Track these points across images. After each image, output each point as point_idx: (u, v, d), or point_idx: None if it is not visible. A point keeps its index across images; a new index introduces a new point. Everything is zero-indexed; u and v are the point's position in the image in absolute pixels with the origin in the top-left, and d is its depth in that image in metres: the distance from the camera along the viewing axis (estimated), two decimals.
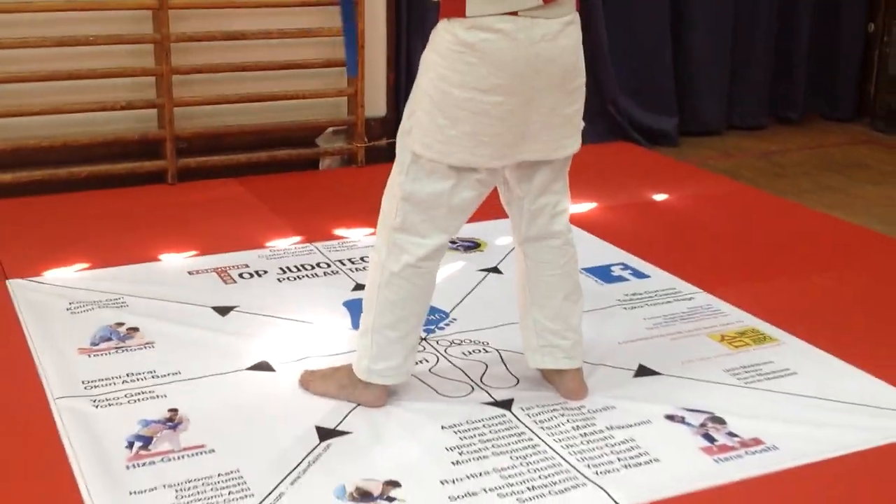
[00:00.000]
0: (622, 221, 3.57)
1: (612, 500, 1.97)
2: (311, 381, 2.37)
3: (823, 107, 5.34)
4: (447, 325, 2.72)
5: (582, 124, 2.24)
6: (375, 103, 4.24)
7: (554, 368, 2.35)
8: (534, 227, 2.27)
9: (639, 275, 3.09)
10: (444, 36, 2.07)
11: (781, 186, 4.18)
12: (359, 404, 2.27)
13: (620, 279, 3.06)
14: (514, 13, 2.02)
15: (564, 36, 2.09)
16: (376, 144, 4.21)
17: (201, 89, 3.89)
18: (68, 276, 2.99)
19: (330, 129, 4.18)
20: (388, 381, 2.27)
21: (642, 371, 2.49)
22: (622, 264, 3.17)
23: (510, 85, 2.05)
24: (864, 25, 5.24)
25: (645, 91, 4.76)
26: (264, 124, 4.02)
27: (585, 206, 3.65)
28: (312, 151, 4.14)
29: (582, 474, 2.05)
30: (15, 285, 2.89)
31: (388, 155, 4.21)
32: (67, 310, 2.75)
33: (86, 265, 3.06)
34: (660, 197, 3.91)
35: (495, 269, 3.10)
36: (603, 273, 3.09)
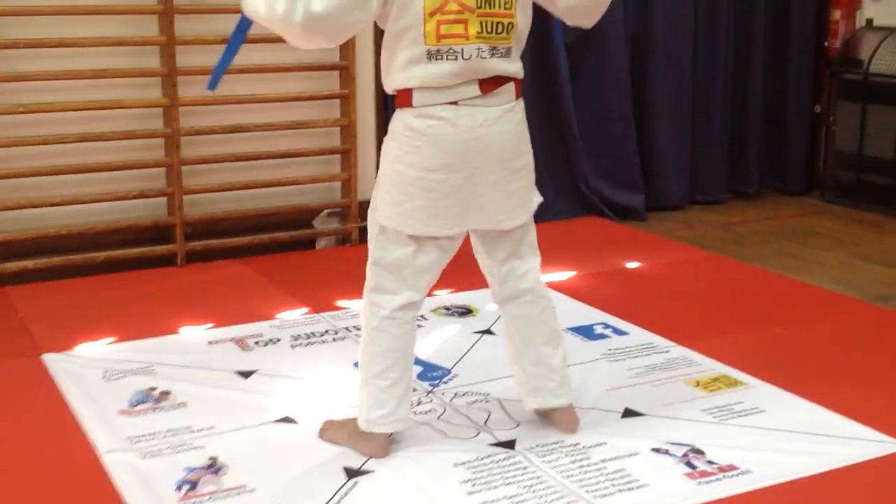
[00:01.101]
0: (600, 286, 3.90)
1: None
2: (327, 430, 2.64)
3: (777, 182, 5.75)
4: (450, 379, 3.01)
5: (536, 199, 2.55)
6: (366, 187, 4.57)
7: (546, 408, 2.65)
8: (506, 288, 2.59)
9: (619, 332, 3.40)
10: (397, 123, 2.41)
11: (742, 253, 4.53)
12: (364, 454, 2.52)
13: (602, 336, 3.37)
14: (455, 102, 2.36)
15: (504, 121, 2.42)
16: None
17: (207, 178, 4.21)
18: (98, 349, 3.25)
19: (325, 212, 4.50)
20: (385, 428, 2.50)
21: (628, 413, 2.78)
22: (603, 323, 3.48)
23: (452, 164, 2.37)
24: (811, 107, 5.70)
25: (614, 171, 5.14)
26: (265, 208, 4.33)
27: (566, 274, 3.98)
28: (310, 232, 4.45)
29: (583, 498, 2.33)
30: (50, 359, 3.14)
31: None
32: (102, 378, 3.01)
33: (112, 339, 3.33)
34: (632, 265, 4.25)
35: (488, 331, 3.40)
36: (587, 331, 3.40)
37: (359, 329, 3.35)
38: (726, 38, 5.39)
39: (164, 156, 4.11)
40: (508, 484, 2.40)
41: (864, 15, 5.51)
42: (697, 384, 2.97)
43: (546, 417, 2.69)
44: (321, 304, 3.67)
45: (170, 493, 2.34)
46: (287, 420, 2.74)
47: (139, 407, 2.82)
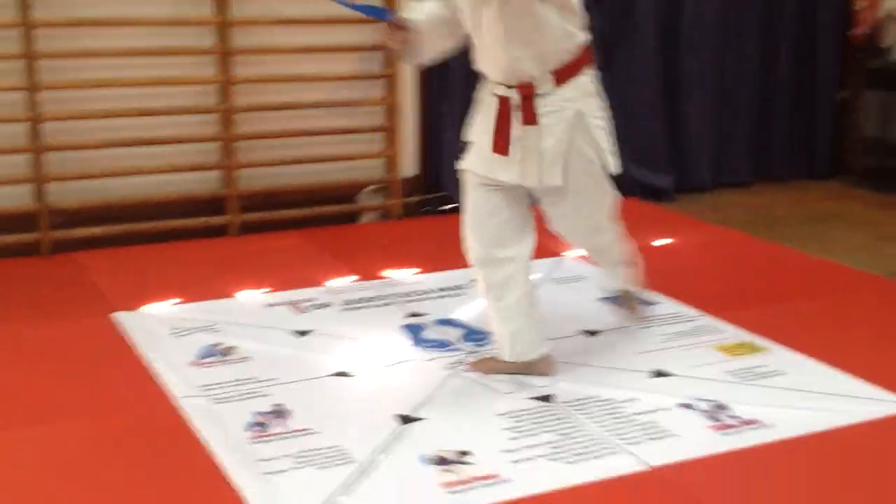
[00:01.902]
0: None
1: (641, 461, 2.48)
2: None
3: (802, 166, 5.93)
4: (491, 342, 3.24)
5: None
6: (408, 165, 4.81)
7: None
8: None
9: (648, 302, 3.62)
10: (588, 82, 2.83)
11: (768, 234, 4.72)
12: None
13: None
14: None
15: None
16: (410, 200, 4.77)
17: (259, 153, 4.45)
18: (164, 309, 3.50)
19: (370, 188, 4.74)
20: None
21: (658, 373, 3.00)
22: None
23: None
24: (836, 94, 5.87)
25: (644, 153, 5.33)
26: (313, 183, 4.57)
27: None
28: (355, 207, 4.69)
29: (615, 444, 2.56)
30: (121, 316, 3.40)
31: (418, 211, 4.80)
32: (171, 334, 3.26)
33: (177, 300, 3.58)
34: (662, 242, 4.46)
35: None
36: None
37: (404, 297, 3.65)
38: (754, 26, 5.56)
39: (220, 131, 4.35)
40: (547, 431, 2.63)
41: (889, 4, 5.65)
42: (723, 349, 3.19)
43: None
44: (368, 273, 3.91)
45: (241, 433, 2.59)
46: (342, 374, 2.98)
47: (207, 360, 3.07)
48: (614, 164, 2.90)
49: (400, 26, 2.65)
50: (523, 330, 2.91)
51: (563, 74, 2.72)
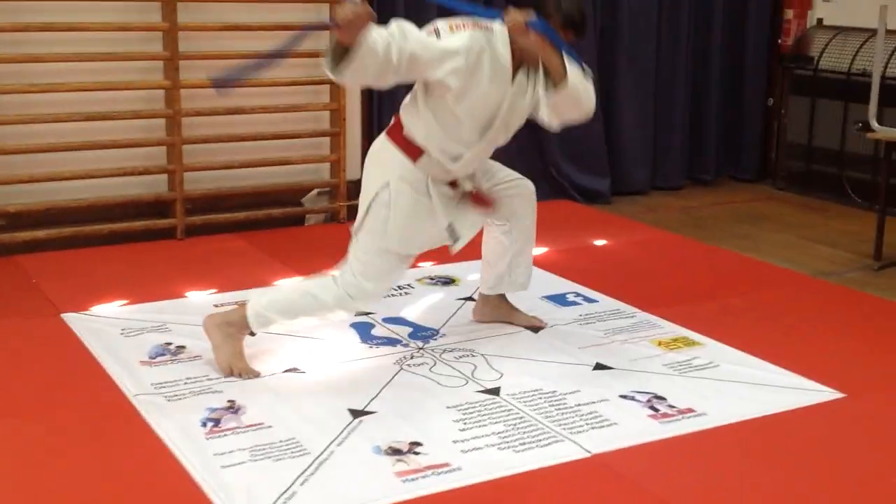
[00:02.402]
0: (570, 261, 4.25)
1: (584, 449, 2.59)
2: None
3: (732, 170, 6.15)
4: (438, 338, 3.33)
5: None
6: (354, 168, 4.88)
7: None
8: None
9: (589, 300, 3.75)
10: None
11: (700, 234, 4.90)
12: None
13: (574, 303, 3.71)
14: None
15: None
16: (355, 203, 4.83)
17: (206, 157, 4.49)
18: (113, 310, 3.53)
19: (315, 191, 4.81)
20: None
21: (599, 367, 3.13)
22: (574, 292, 3.83)
23: None
24: (765, 101, 6.10)
25: (581, 157, 5.49)
26: (259, 186, 4.62)
27: (540, 250, 4.27)
28: (301, 210, 4.76)
29: (560, 434, 2.67)
30: (70, 318, 3.43)
31: None
32: (121, 334, 3.30)
33: (125, 301, 3.61)
34: (599, 242, 4.61)
35: (470, 298, 3.72)
36: (560, 299, 3.75)
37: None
38: (687, 35, 5.77)
39: (167, 135, 4.39)
40: (495, 422, 2.73)
41: (815, 15, 5.90)
42: (659, 343, 3.33)
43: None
44: (315, 273, 3.97)
45: (196, 429, 2.65)
46: (294, 370, 3.05)
47: (158, 359, 3.12)
48: None
49: (364, 18, 2.59)
50: None
51: None
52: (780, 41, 5.96)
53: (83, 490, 2.36)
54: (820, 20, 5.87)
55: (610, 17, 5.54)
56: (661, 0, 5.65)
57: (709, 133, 5.98)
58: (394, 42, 2.67)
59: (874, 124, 4.56)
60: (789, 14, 5.90)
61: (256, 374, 2.99)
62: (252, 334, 3.03)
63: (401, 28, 2.71)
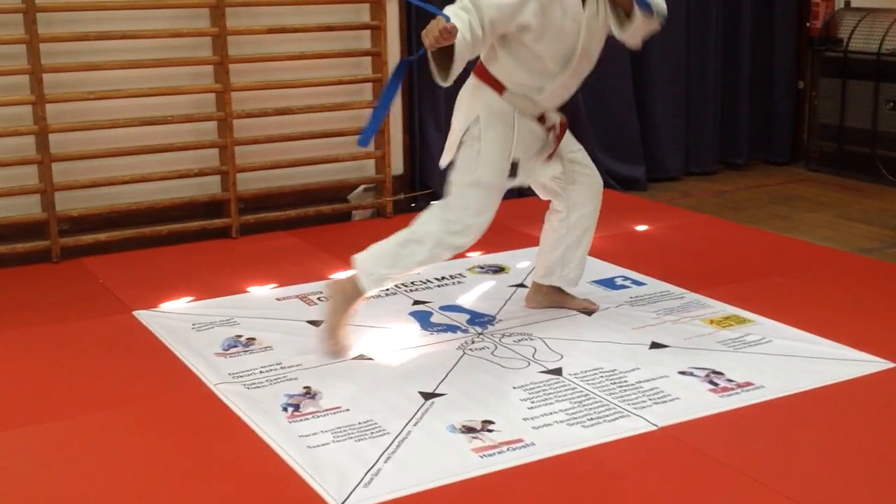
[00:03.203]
0: (615, 246, 4.36)
1: (650, 423, 2.71)
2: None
3: (765, 153, 6.24)
4: (496, 324, 3.46)
5: (448, 157, 3.24)
6: (396, 164, 5.02)
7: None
8: None
9: (637, 283, 3.86)
10: None
11: (737, 217, 5.00)
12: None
13: (623, 287, 3.83)
14: None
15: None
16: (399, 198, 4.98)
17: (257, 157, 4.63)
18: (181, 306, 3.67)
19: (361, 187, 4.93)
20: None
21: (655, 345, 3.25)
22: (622, 276, 3.94)
23: None
24: (795, 83, 6.18)
25: (617, 146, 5.60)
26: (308, 184, 4.76)
27: None
28: (349, 206, 4.89)
29: (624, 409, 2.79)
30: (142, 315, 3.57)
31: (408, 207, 5.01)
32: (193, 328, 3.44)
33: (191, 298, 3.75)
34: (640, 227, 4.72)
35: (521, 285, 3.85)
36: (609, 283, 3.86)
37: (406, 286, 3.85)
38: (716, 22, 5.85)
39: (219, 137, 4.53)
40: (561, 401, 2.85)
41: None
42: (711, 322, 3.44)
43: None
44: None
45: (279, 413, 2.78)
46: (363, 357, 3.18)
47: (231, 350, 3.25)
48: None
49: (450, 31, 2.77)
50: None
51: None
52: (808, 24, 6.04)
53: (180, 476, 2.50)
54: (847, 2, 5.95)
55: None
56: None
57: (741, 117, 6.07)
58: (473, 20, 2.85)
59: None
60: None
61: (342, 354, 3.13)
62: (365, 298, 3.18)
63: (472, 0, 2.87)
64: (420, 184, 5.13)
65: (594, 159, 5.47)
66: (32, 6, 4.03)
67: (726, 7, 5.89)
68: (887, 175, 5.54)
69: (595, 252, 4.19)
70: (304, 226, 4.70)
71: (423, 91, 5.03)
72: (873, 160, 5.63)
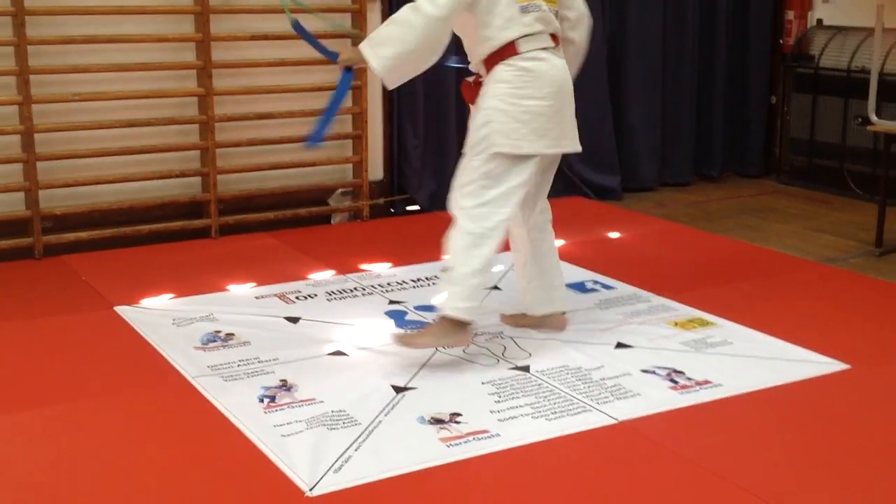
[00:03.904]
0: (587, 251, 4.47)
1: (610, 417, 2.82)
2: (407, 339, 3.19)
3: (737, 165, 6.38)
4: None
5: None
6: (375, 169, 5.12)
7: (552, 312, 3.42)
8: (534, 217, 3.33)
9: (606, 287, 3.98)
10: (505, 70, 3.10)
11: (709, 226, 5.13)
12: (453, 346, 3.16)
13: (593, 290, 3.94)
14: (545, 48, 3.12)
15: (567, 69, 3.21)
16: (377, 202, 5.08)
17: (238, 160, 4.73)
18: (162, 303, 3.76)
19: (339, 191, 5.04)
20: (472, 316, 3.12)
21: (620, 345, 3.36)
22: (593, 280, 4.06)
23: (553, 93, 3.12)
24: (768, 98, 6.33)
25: (593, 156, 5.71)
26: (287, 187, 4.86)
27: (558, 242, 4.50)
28: (327, 208, 4.99)
29: (587, 404, 2.90)
30: (123, 311, 3.66)
31: (385, 212, 5.11)
32: (173, 324, 3.53)
33: (171, 295, 3.84)
34: (613, 234, 4.84)
35: (495, 287, 3.95)
36: (580, 287, 3.97)
37: (382, 287, 3.95)
38: (692, 38, 6.00)
39: (200, 139, 4.62)
40: (528, 395, 2.96)
41: (815, 15, 6.13)
42: (676, 324, 3.55)
43: (545, 321, 3.41)
44: (345, 268, 4.21)
45: (255, 404, 2.88)
46: (338, 353, 3.28)
47: (210, 345, 3.34)
48: (498, 143, 3.11)
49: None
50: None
51: (488, 65, 3.16)
52: (781, 41, 6.19)
53: (157, 462, 2.58)
54: (820, 20, 6.10)
55: (617, 23, 5.78)
56: (667, 5, 5.88)
57: (715, 130, 6.21)
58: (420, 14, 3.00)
59: (873, 118, 4.79)
60: (790, 15, 6.14)
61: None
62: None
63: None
64: (399, 189, 5.24)
65: (569, 168, 5.68)
66: (22, 9, 4.12)
67: (701, 23, 6.04)
68: (855, 188, 5.68)
69: (566, 257, 4.30)
70: (282, 228, 4.80)
71: (402, 99, 5.14)
72: (842, 174, 5.78)
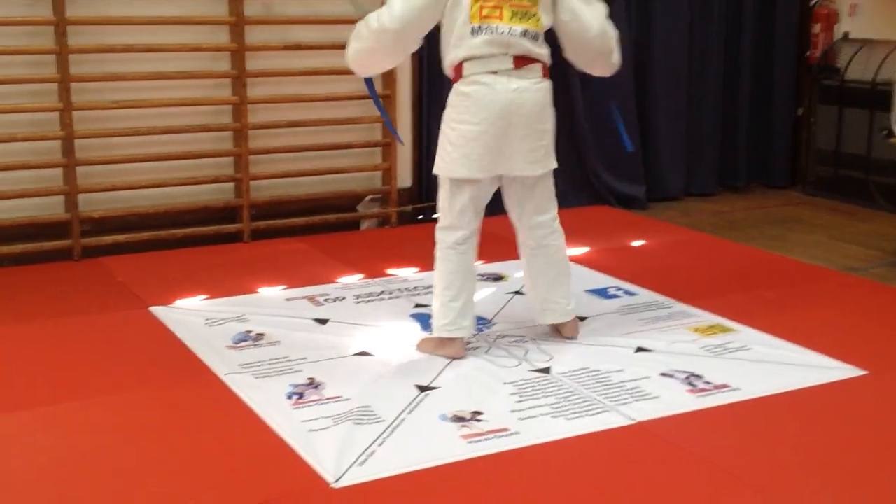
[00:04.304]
0: (611, 259, 4.55)
1: (628, 417, 2.89)
2: (419, 345, 3.38)
3: (763, 176, 6.42)
4: (491, 327, 3.64)
5: (552, 163, 3.31)
6: (403, 176, 5.22)
7: (556, 322, 3.46)
8: (533, 233, 3.38)
9: (629, 293, 4.05)
10: (452, 94, 3.21)
11: (732, 236, 5.18)
12: (447, 357, 3.28)
13: (615, 297, 4.01)
14: (494, 72, 3.13)
15: (532, 91, 3.19)
16: (405, 209, 5.19)
17: (270, 166, 4.85)
18: (195, 303, 3.88)
19: (368, 198, 5.14)
20: (449, 333, 3.27)
21: (640, 349, 3.43)
22: (615, 287, 4.13)
23: (490, 118, 3.15)
24: (794, 110, 6.37)
25: (619, 165, 5.79)
26: (317, 193, 4.97)
27: (581, 250, 4.62)
28: (356, 215, 5.10)
29: (606, 405, 2.97)
30: (157, 311, 3.78)
31: (413, 218, 5.21)
32: (206, 324, 3.64)
33: (204, 296, 3.96)
34: (637, 243, 4.90)
35: (518, 292, 4.03)
36: (602, 293, 4.05)
37: (409, 290, 4.06)
38: (718, 49, 6.06)
39: (234, 146, 4.75)
40: (547, 396, 3.04)
41: (842, 28, 6.17)
42: (696, 330, 3.62)
43: (557, 329, 3.49)
44: (374, 272, 4.31)
45: (283, 401, 2.98)
46: (364, 353, 3.38)
47: (242, 344, 3.45)
48: (437, 165, 3.31)
49: None
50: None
51: (452, 81, 3.26)
52: (808, 54, 6.23)
53: (189, 453, 2.69)
54: (846, 34, 6.13)
55: (644, 33, 5.85)
56: (693, 17, 5.95)
57: (741, 141, 6.26)
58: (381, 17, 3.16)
59: None
60: (816, 28, 6.17)
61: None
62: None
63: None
64: (427, 196, 5.34)
65: (596, 177, 5.75)
66: (63, 19, 4.26)
67: (728, 35, 6.10)
68: (880, 199, 5.71)
69: (590, 263, 4.41)
70: (312, 233, 4.91)
71: (431, 107, 5.24)
72: (867, 185, 5.81)
